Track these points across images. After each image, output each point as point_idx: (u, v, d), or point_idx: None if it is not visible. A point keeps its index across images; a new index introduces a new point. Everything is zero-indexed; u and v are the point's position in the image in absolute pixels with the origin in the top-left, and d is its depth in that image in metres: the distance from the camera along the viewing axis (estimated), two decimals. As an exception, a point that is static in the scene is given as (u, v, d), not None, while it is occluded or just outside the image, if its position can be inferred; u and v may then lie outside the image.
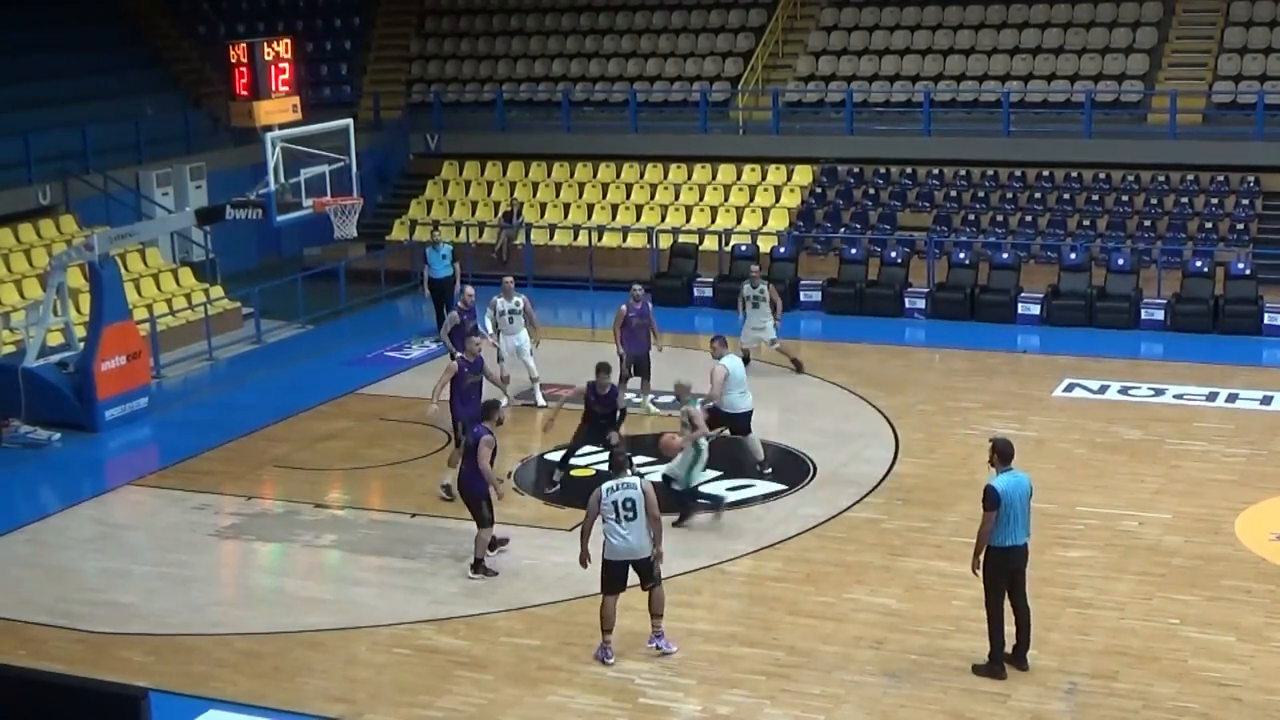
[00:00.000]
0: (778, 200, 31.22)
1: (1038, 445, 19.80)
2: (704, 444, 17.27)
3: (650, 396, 21.67)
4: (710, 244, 29.78)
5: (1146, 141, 29.83)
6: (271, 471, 19.92)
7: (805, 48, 33.85)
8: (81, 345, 22.16)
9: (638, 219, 31.45)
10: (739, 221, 30.80)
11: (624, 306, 21.64)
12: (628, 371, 21.50)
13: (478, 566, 15.99)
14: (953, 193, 30.34)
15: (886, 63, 32.84)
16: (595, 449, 19.80)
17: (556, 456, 19.43)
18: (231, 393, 23.94)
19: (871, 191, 30.87)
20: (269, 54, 23.08)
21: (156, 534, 17.89)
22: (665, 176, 32.43)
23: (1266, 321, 25.06)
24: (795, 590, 15.53)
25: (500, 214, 31.96)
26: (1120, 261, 26.43)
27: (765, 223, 30.65)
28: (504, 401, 21.01)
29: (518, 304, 21.96)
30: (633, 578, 14.02)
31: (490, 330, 21.96)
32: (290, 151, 22.00)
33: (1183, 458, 19.15)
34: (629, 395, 20.98)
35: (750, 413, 18.71)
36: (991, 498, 13.18)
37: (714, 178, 32.11)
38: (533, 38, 36.41)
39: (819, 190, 31.28)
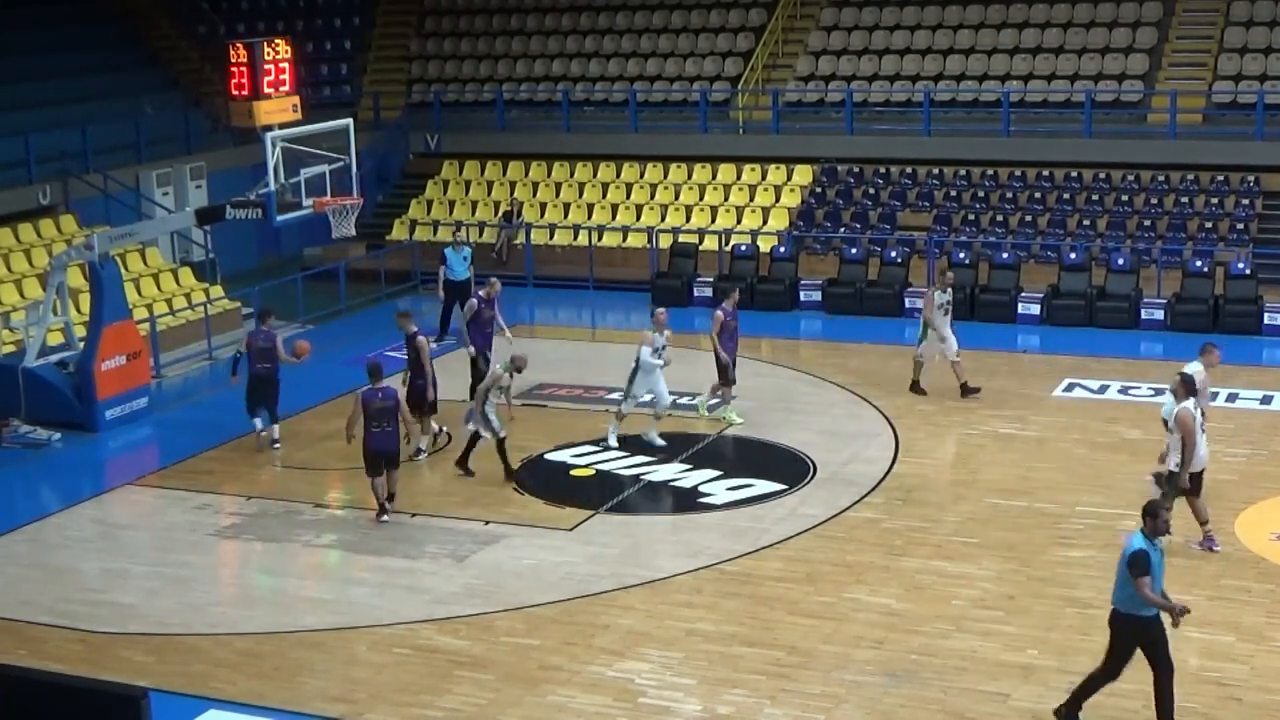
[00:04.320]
0: (778, 200, 31.22)
1: (1038, 445, 19.82)
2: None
3: (708, 400, 21.19)
4: (710, 244, 29.78)
5: (1146, 141, 29.84)
6: (271, 471, 19.93)
7: (805, 48, 33.85)
8: (81, 345, 22.17)
9: (638, 219, 31.46)
10: (739, 221, 30.80)
11: (720, 311, 21.04)
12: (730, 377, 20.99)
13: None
14: (953, 193, 30.34)
15: (886, 63, 32.84)
16: (593, 448, 19.82)
17: (558, 457, 19.54)
18: (231, 393, 23.86)
19: (871, 191, 30.87)
20: (269, 54, 23.06)
21: (156, 534, 17.89)
22: (665, 176, 32.43)
23: (1266, 321, 25.10)
24: (795, 590, 15.53)
25: (500, 214, 31.96)
26: (1120, 261, 26.44)
27: (765, 223, 30.66)
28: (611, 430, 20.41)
29: (668, 339, 20.17)
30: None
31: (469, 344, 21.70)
32: (290, 151, 22.00)
33: (1183, 458, 19.12)
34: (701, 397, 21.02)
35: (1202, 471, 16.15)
36: (1142, 563, 12.01)
37: (714, 178, 32.11)
38: (533, 38, 36.42)
39: (819, 190, 31.28)
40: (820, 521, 17.35)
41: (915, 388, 21.92)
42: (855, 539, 16.85)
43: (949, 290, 21.83)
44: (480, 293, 21.99)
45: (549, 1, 36.80)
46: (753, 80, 33.12)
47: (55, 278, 22.13)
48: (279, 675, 14.08)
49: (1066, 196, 29.62)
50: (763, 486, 18.47)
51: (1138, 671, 13.55)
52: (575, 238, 31.10)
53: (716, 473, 18.99)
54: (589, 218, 31.72)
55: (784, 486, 18.44)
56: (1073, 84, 31.17)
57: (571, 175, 33.01)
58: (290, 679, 14.00)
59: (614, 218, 31.73)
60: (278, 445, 20.56)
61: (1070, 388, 22.19)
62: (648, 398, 20.12)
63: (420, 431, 19.75)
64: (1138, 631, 12.28)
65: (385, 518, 17.63)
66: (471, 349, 21.50)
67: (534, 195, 32.75)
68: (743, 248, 28.99)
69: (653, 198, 31.99)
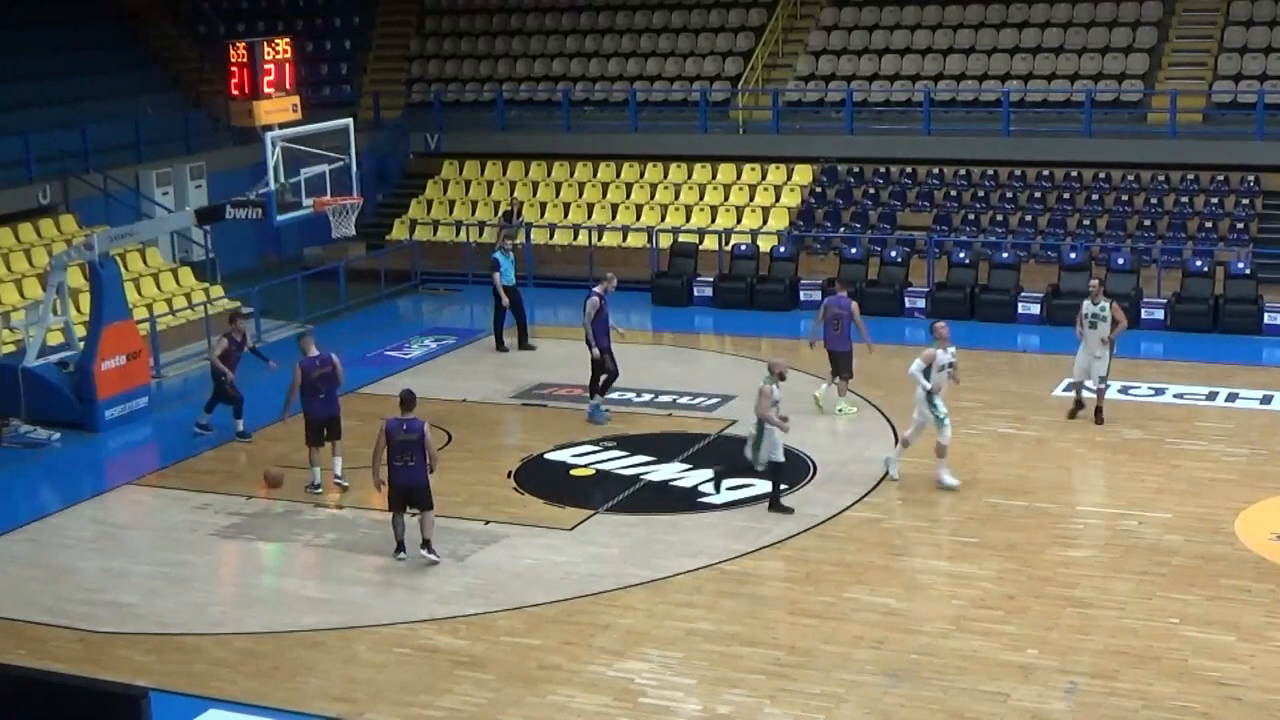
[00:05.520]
0: (778, 200, 31.22)
1: (1038, 445, 19.82)
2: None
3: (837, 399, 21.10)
4: (710, 244, 29.78)
5: (1146, 141, 29.82)
6: (272, 471, 19.90)
7: (805, 47, 33.85)
8: (81, 345, 22.17)
9: (638, 219, 31.44)
10: (739, 221, 30.79)
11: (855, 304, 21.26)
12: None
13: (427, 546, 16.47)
14: (953, 193, 30.34)
15: (886, 63, 32.83)
16: (593, 448, 19.80)
17: (558, 457, 19.52)
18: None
19: (871, 191, 30.87)
20: (269, 54, 23.07)
21: (156, 534, 17.89)
22: (665, 176, 32.42)
23: (1266, 321, 25.09)
24: (795, 590, 15.53)
25: (500, 214, 31.94)
26: (1120, 261, 26.44)
27: (765, 222, 30.65)
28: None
29: (954, 354, 18.51)
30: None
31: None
32: (290, 151, 22.00)
33: (1183, 457, 19.15)
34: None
35: None
36: None
37: (714, 177, 32.10)
38: (533, 38, 36.41)
39: (819, 190, 31.27)
40: (820, 521, 17.35)
41: (1074, 413, 20.73)
42: (855, 539, 16.85)
43: (1099, 303, 20.42)
44: (597, 289, 21.46)
45: (549, 1, 36.80)
46: (753, 80, 33.11)
47: (55, 278, 22.13)
48: (279, 675, 14.08)
49: (1066, 196, 29.62)
50: (763, 486, 18.45)
51: (1137, 671, 13.57)
52: (575, 238, 31.09)
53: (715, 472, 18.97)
54: (589, 218, 31.71)
55: (784, 486, 18.41)
56: (1073, 84, 31.16)
57: (571, 175, 32.99)
58: (290, 678, 14.00)
59: (614, 218, 31.72)
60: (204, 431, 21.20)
61: (1070, 387, 22.16)
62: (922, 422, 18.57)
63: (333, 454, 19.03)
64: None
65: (403, 556, 16.50)
66: (597, 350, 21.16)
67: (534, 195, 32.73)
68: (743, 247, 28.98)
69: (653, 198, 31.98)
